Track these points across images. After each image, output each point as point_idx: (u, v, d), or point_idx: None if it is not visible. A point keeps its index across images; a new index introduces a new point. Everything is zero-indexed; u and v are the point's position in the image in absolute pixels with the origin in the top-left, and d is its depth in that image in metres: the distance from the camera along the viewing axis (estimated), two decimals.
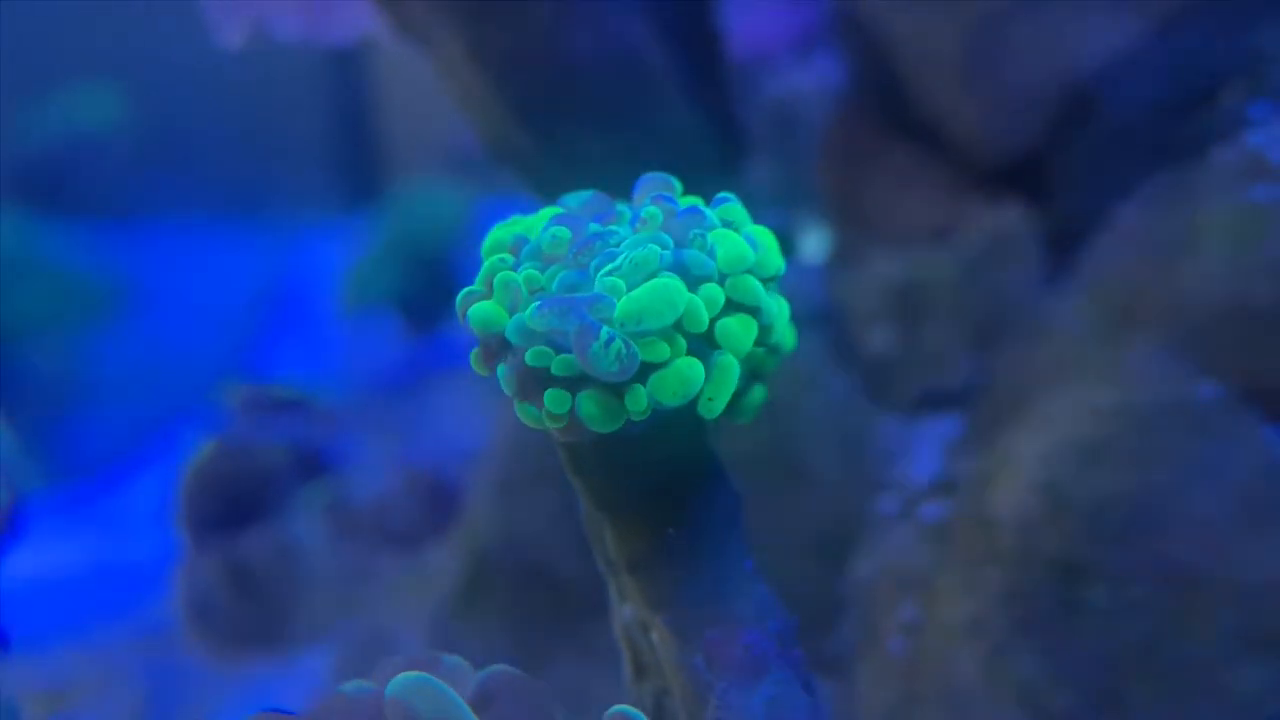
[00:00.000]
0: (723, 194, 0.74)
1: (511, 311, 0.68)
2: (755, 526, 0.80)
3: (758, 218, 0.74)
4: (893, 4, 1.32)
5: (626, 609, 0.82)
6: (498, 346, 0.69)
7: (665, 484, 0.74)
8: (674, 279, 0.66)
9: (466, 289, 0.71)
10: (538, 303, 0.65)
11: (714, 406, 0.68)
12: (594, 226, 0.71)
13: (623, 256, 0.67)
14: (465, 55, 1.18)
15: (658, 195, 0.73)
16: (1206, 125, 1.18)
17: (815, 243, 1.55)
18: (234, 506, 1.89)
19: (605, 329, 0.64)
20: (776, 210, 1.55)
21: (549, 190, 0.82)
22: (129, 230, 3.31)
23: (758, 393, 0.77)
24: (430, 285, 2.72)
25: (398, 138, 3.65)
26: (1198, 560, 1.00)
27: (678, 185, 0.76)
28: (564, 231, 0.69)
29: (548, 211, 0.75)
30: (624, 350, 0.64)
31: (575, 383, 0.66)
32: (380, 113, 3.66)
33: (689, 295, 0.66)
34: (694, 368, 0.66)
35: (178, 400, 2.77)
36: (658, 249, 0.67)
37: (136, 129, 3.53)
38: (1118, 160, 1.24)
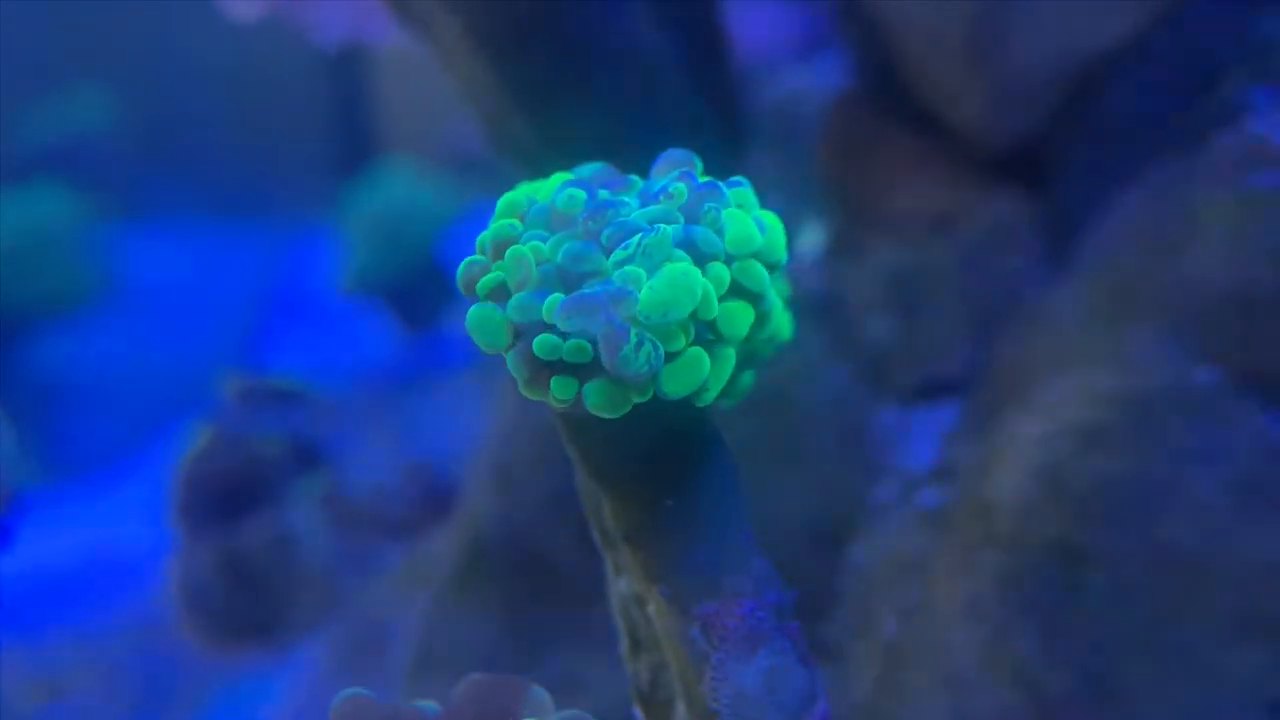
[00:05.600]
0: (736, 178, 0.73)
1: (517, 287, 0.66)
2: (752, 514, 0.79)
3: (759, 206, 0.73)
4: None
5: (623, 582, 0.82)
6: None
7: (663, 454, 0.73)
8: (689, 265, 0.65)
9: (468, 258, 0.70)
10: (561, 300, 0.64)
11: (707, 396, 0.67)
12: (604, 194, 0.70)
13: (633, 241, 0.66)
14: (461, 33, 1.18)
15: (683, 172, 0.72)
16: (1208, 111, 1.18)
17: (813, 234, 1.55)
18: (230, 496, 1.89)
19: (633, 331, 0.63)
20: (775, 201, 1.55)
21: (548, 178, 0.81)
22: (127, 228, 3.31)
23: (746, 378, 0.76)
24: (422, 282, 2.69)
25: (397, 136, 3.65)
26: (1196, 544, 1.00)
27: (699, 163, 0.75)
28: (580, 193, 0.69)
29: (559, 177, 0.74)
30: (653, 352, 0.63)
31: (584, 370, 0.64)
32: (379, 111, 3.67)
33: (704, 281, 0.65)
34: (701, 357, 0.65)
35: (175, 397, 2.76)
36: (669, 233, 0.66)
37: (135, 128, 3.53)
38: (1119, 146, 1.23)
